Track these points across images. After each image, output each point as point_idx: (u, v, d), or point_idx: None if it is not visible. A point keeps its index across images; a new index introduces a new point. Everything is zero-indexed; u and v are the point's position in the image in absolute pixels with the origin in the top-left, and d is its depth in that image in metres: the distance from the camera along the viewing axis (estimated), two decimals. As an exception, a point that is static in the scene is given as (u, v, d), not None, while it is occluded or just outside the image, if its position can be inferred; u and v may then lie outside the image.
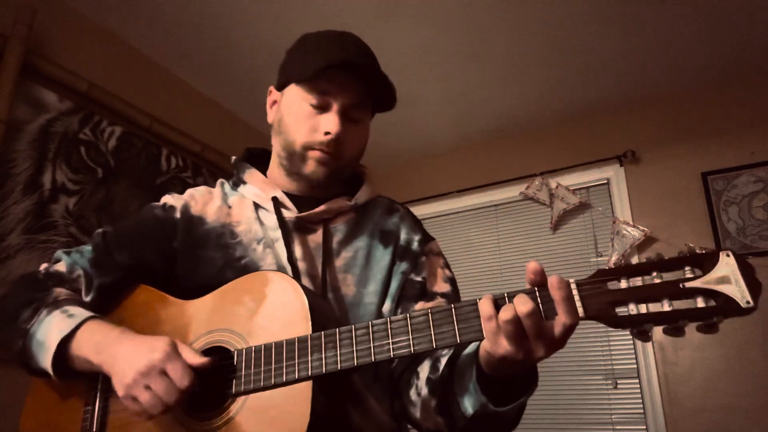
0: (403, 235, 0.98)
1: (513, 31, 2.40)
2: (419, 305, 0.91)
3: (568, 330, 0.62)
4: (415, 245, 0.97)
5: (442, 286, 0.95)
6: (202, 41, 2.44)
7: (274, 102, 0.99)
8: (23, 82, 1.93)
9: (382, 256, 0.94)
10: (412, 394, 0.85)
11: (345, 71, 0.89)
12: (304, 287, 0.78)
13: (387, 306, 0.91)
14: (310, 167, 0.92)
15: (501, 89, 2.82)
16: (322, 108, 0.90)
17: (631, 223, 2.76)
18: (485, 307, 0.65)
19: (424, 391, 0.82)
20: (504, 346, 0.64)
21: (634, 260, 2.74)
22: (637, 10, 2.26)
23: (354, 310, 0.89)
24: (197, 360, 0.75)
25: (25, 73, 1.93)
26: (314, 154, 0.91)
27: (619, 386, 2.64)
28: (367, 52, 0.94)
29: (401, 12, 2.27)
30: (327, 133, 0.89)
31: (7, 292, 0.92)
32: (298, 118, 0.91)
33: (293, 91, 0.93)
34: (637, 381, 2.61)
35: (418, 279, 0.94)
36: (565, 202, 2.94)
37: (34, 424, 0.90)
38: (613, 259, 2.75)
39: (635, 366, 2.63)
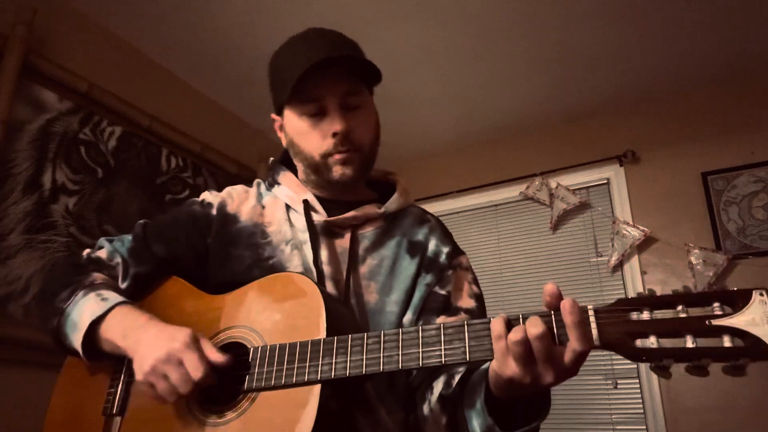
0: (431, 247, 0.97)
1: (513, 32, 2.40)
2: (440, 319, 0.89)
3: (579, 357, 0.60)
4: (443, 258, 0.96)
5: (467, 302, 0.94)
6: (202, 41, 2.44)
7: (281, 127, 1.01)
8: (23, 82, 1.93)
9: (408, 266, 0.94)
10: (425, 408, 0.85)
11: (322, 68, 0.88)
12: (323, 291, 0.79)
13: (408, 317, 0.91)
14: (336, 172, 0.93)
15: (501, 89, 2.82)
16: (320, 113, 0.91)
17: (631, 223, 2.76)
18: (496, 326, 0.64)
19: (436, 407, 0.82)
20: (512, 367, 0.62)
21: (636, 261, 2.74)
22: (637, 10, 2.26)
23: (375, 318, 0.89)
24: (215, 356, 0.77)
25: (25, 73, 1.93)
26: (334, 159, 0.92)
27: (619, 386, 2.64)
28: (333, 39, 0.93)
29: (401, 12, 2.27)
30: (335, 134, 0.90)
31: (49, 274, 0.97)
32: (304, 133, 0.93)
33: (289, 111, 0.95)
34: (637, 381, 2.61)
35: (442, 292, 0.93)
36: (565, 202, 2.94)
37: (62, 402, 0.94)
38: (613, 259, 2.75)
39: (635, 366, 2.62)
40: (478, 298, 0.97)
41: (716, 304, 0.56)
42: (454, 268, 0.96)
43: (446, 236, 1.01)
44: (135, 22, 2.32)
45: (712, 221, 2.62)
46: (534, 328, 0.60)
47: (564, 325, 0.61)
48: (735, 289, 0.56)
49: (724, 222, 2.59)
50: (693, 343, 0.56)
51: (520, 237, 3.11)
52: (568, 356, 0.60)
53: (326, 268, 0.90)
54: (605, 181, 2.96)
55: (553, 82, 2.76)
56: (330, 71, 0.89)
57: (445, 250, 0.97)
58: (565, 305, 0.60)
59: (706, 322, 0.56)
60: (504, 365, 0.63)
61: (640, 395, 2.59)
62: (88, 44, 2.25)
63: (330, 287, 0.89)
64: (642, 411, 2.56)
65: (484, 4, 2.23)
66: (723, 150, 2.68)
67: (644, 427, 2.53)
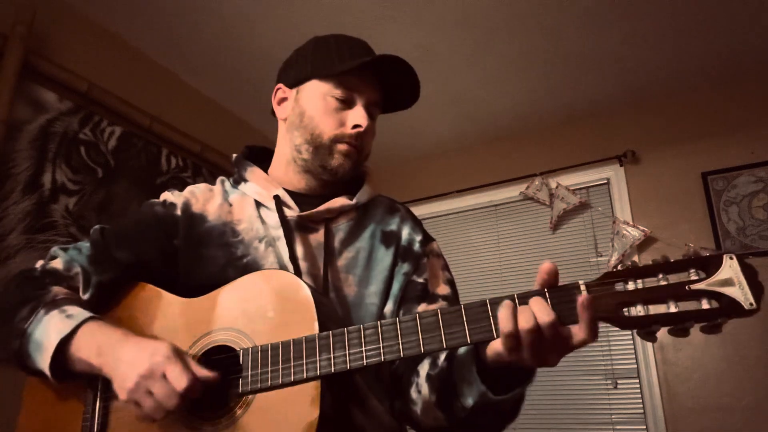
0: (404, 236, 0.98)
1: (513, 32, 2.40)
2: (422, 307, 0.91)
3: (585, 344, 0.64)
4: (416, 246, 0.97)
5: (443, 289, 0.96)
6: (202, 41, 2.44)
7: (283, 99, 1.01)
8: (23, 82, 1.93)
9: (384, 257, 0.94)
10: (413, 392, 0.85)
11: (367, 71, 0.94)
12: (310, 286, 0.78)
13: (389, 307, 0.92)
14: (337, 160, 0.94)
15: (501, 89, 2.82)
16: (347, 103, 0.94)
17: (631, 223, 2.76)
18: (506, 323, 0.64)
19: (425, 388, 0.82)
20: (518, 354, 0.65)
21: (635, 258, 2.74)
22: (636, 10, 2.26)
23: (355, 311, 0.89)
24: (202, 372, 0.74)
25: (25, 73, 1.92)
26: (342, 148, 0.93)
27: (619, 386, 2.64)
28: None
29: (401, 13, 2.27)
30: (356, 127, 0.92)
31: (3, 290, 0.90)
32: (325, 111, 0.94)
33: (315, 86, 0.95)
34: (637, 381, 2.61)
35: (420, 281, 0.94)
36: (565, 202, 2.94)
37: (33, 423, 0.88)
38: (613, 259, 2.75)
39: (635, 366, 2.63)
40: (452, 284, 0.99)
41: (692, 270, 0.62)
42: (427, 255, 0.98)
43: (417, 224, 1.02)
44: (135, 22, 2.32)
45: (712, 221, 2.61)
46: (546, 316, 0.63)
47: (560, 302, 0.64)
48: (708, 254, 0.62)
49: (724, 222, 2.59)
50: (675, 308, 0.61)
51: (520, 237, 3.11)
52: (576, 341, 0.64)
53: (303, 264, 0.90)
54: (605, 181, 2.96)
55: (553, 82, 2.76)
56: (373, 78, 0.95)
57: (418, 238, 0.99)
58: (583, 301, 0.63)
59: (686, 288, 0.61)
60: (512, 353, 0.65)
61: (640, 395, 2.58)
62: (88, 44, 2.25)
63: (308, 282, 0.88)
64: (642, 411, 2.56)
65: (483, 5, 2.23)
66: (723, 150, 2.68)
67: (644, 427, 2.53)
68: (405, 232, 0.99)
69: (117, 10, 2.24)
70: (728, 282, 0.59)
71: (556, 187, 2.98)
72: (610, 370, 2.68)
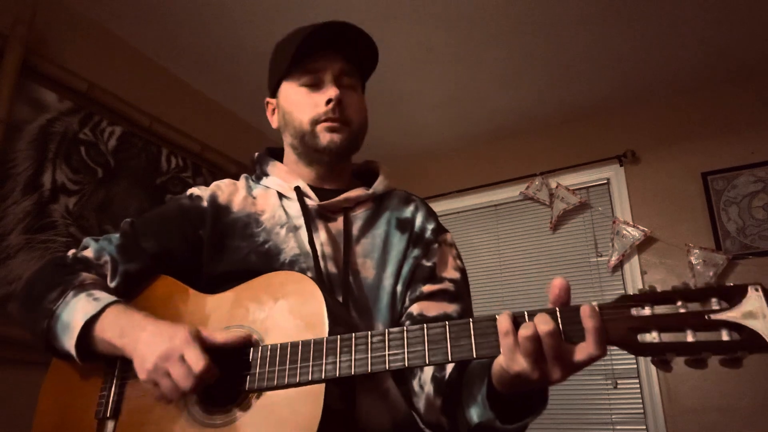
0: (418, 223, 1.01)
1: (513, 32, 2.40)
2: (427, 287, 0.94)
3: (594, 359, 0.61)
4: (428, 233, 1.00)
5: (452, 273, 0.98)
6: (202, 41, 2.44)
7: (274, 110, 1.06)
8: (23, 82, 1.93)
9: (399, 242, 0.98)
10: (415, 384, 0.86)
11: (325, 48, 0.98)
12: (323, 290, 0.79)
13: (399, 288, 0.94)
14: (324, 139, 0.96)
15: (501, 89, 2.83)
16: (316, 85, 0.97)
17: (631, 223, 2.76)
18: (503, 322, 0.64)
19: (429, 387, 0.83)
20: (520, 363, 0.63)
21: (636, 261, 2.74)
22: (636, 10, 2.26)
23: (373, 293, 0.92)
24: (221, 337, 0.77)
25: (25, 73, 1.93)
26: (324, 126, 0.96)
27: (619, 386, 2.64)
28: (336, 21, 1.02)
29: (401, 12, 2.27)
30: (329, 102, 0.94)
31: (34, 275, 0.94)
32: (298, 101, 0.98)
33: (286, 86, 1.00)
34: (637, 381, 2.61)
35: (429, 264, 0.96)
36: (565, 202, 2.94)
37: (51, 405, 0.91)
38: (613, 259, 2.75)
39: (635, 366, 2.63)
40: (462, 271, 1.01)
41: (714, 299, 0.58)
42: (439, 243, 1.00)
43: (430, 214, 1.05)
44: (135, 22, 2.32)
45: (712, 221, 2.62)
46: (545, 325, 0.61)
47: (571, 321, 0.62)
48: (731, 284, 0.58)
49: (724, 222, 2.59)
50: (693, 338, 0.58)
51: (520, 237, 3.11)
52: (580, 356, 0.61)
53: (325, 249, 0.93)
54: (605, 181, 2.96)
55: (553, 82, 2.76)
56: (330, 51, 0.98)
57: (430, 226, 1.01)
58: (586, 310, 0.61)
59: (706, 317, 0.58)
60: (512, 361, 0.64)
61: (640, 395, 2.59)
62: (88, 44, 2.25)
63: (330, 267, 0.91)
64: (642, 411, 2.56)
65: (483, 4, 2.23)
66: (723, 150, 2.68)
67: (644, 427, 2.53)
68: (419, 220, 1.01)
69: (117, 10, 2.24)
70: (752, 314, 0.55)
71: (556, 187, 2.99)
72: (610, 370, 2.68)
